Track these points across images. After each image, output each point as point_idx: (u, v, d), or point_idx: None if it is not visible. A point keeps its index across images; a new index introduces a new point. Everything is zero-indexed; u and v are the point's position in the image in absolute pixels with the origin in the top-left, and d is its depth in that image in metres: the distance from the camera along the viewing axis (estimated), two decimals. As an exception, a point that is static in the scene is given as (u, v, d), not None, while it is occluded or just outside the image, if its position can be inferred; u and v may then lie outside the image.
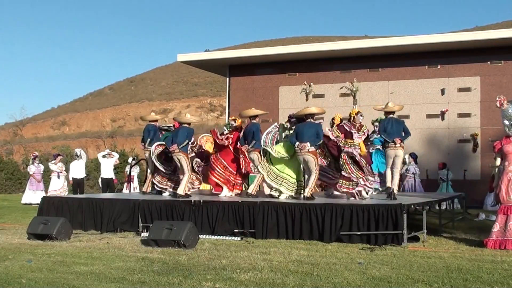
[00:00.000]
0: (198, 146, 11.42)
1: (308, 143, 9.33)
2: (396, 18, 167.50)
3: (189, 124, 10.44)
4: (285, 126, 10.55)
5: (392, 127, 9.39)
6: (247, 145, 10.23)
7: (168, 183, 11.12)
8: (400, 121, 9.67)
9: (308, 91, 16.73)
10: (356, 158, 9.50)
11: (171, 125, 11.91)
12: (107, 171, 16.39)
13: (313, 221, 8.36)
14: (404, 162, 13.43)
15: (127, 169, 16.85)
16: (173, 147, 10.13)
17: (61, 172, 17.32)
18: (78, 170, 16.81)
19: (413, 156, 14.51)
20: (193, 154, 11.04)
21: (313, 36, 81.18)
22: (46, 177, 19.02)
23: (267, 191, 10.04)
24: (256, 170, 10.38)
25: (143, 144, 11.51)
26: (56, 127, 66.55)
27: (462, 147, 15.20)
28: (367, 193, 9.72)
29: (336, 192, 10.28)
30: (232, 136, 10.72)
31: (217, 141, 10.71)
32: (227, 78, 18.23)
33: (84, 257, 7.03)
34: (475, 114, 15.12)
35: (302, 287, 5.33)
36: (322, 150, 10.01)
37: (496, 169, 7.98)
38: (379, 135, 10.28)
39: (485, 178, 13.80)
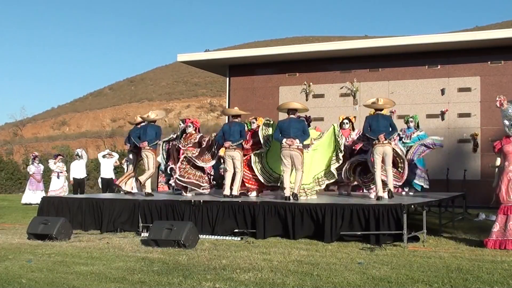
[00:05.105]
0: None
1: (297, 140, 9.19)
2: (396, 18, 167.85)
3: (154, 121, 10.79)
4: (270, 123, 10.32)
5: (378, 124, 9.37)
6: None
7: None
8: (386, 117, 9.63)
9: (308, 91, 16.73)
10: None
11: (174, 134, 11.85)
12: (107, 171, 16.39)
13: (313, 221, 8.36)
14: None
15: (125, 165, 16.83)
16: (143, 144, 10.47)
17: (61, 172, 17.32)
18: (78, 170, 16.83)
19: None
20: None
21: (313, 36, 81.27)
22: (46, 177, 19.02)
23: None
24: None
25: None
26: (56, 127, 66.60)
27: (462, 147, 15.17)
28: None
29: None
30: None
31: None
32: (227, 78, 18.20)
33: (84, 257, 7.04)
34: (475, 114, 15.10)
35: (302, 287, 5.33)
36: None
37: (496, 169, 7.99)
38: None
39: (485, 178, 13.79)
